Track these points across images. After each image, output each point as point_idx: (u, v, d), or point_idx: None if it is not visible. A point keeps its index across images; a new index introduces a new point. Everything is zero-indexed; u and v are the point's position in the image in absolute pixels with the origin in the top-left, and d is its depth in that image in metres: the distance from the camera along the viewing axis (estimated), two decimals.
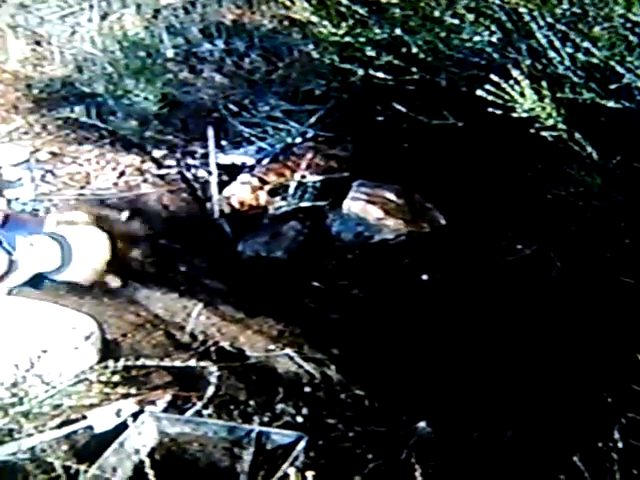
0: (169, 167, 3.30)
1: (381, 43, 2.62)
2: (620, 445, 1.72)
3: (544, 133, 2.21)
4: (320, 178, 3.03)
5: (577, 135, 2.24)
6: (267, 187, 3.03)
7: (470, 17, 2.40)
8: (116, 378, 2.14)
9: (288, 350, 2.38)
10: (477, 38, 2.44)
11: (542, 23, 2.26)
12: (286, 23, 3.59)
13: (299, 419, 2.18)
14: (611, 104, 2.21)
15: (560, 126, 2.21)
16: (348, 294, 2.57)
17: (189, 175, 3.23)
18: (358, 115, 3.02)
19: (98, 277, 2.68)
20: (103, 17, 4.15)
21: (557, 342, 2.20)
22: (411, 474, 1.75)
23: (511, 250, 2.46)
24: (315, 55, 2.91)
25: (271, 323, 2.51)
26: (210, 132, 3.26)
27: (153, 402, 2.21)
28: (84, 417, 2.14)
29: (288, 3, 2.64)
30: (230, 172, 3.16)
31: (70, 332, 2.33)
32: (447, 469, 1.95)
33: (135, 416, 2.10)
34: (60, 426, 2.11)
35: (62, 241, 2.63)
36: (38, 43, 4.11)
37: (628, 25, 2.15)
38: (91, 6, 4.25)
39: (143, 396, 2.21)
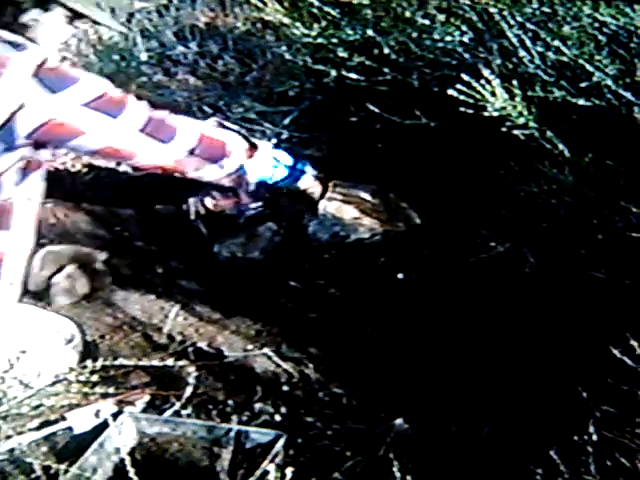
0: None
1: (353, 44, 2.64)
2: (595, 438, 1.74)
3: (516, 131, 2.23)
4: None
5: (549, 133, 2.25)
6: None
7: (441, 17, 2.42)
8: (95, 378, 2.15)
9: (266, 349, 2.39)
10: (448, 38, 2.45)
11: (512, 22, 2.28)
12: (259, 25, 3.58)
13: (277, 418, 2.19)
14: (581, 102, 2.23)
15: (531, 124, 2.23)
16: (325, 293, 2.58)
17: None
18: (332, 116, 3.02)
19: None
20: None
21: (532, 337, 2.21)
22: (389, 470, 1.76)
23: (485, 247, 2.47)
24: (288, 57, 2.92)
25: (249, 323, 2.51)
26: None
27: (132, 402, 2.22)
28: (63, 418, 2.14)
29: (260, 5, 2.65)
30: None
31: (52, 335, 2.33)
32: (425, 465, 1.96)
33: (114, 416, 2.10)
34: (39, 427, 2.12)
35: None
36: None
37: (596, 25, 2.17)
38: None
39: (122, 396, 2.22)
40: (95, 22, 2.27)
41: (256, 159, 2.55)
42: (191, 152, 2.36)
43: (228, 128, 2.55)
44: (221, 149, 2.45)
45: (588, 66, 2.19)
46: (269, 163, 2.63)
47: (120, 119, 2.18)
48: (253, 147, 2.55)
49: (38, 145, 2.14)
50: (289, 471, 1.67)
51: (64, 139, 2.16)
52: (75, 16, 2.22)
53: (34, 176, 2.21)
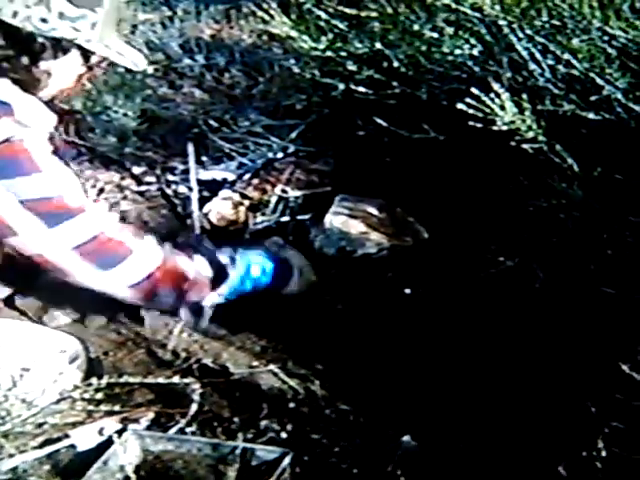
0: (149, 184, 3.29)
1: (362, 57, 2.63)
2: (604, 454, 1.73)
3: (525, 145, 2.22)
4: (302, 193, 3.04)
5: (558, 147, 2.24)
6: (248, 202, 3.03)
7: (450, 30, 2.41)
8: (99, 396, 2.14)
9: (272, 366, 2.37)
10: (457, 51, 2.45)
11: (522, 35, 2.27)
12: (265, 38, 3.59)
13: (284, 435, 2.17)
14: (591, 116, 2.22)
15: (540, 138, 2.22)
16: (332, 309, 2.57)
17: (169, 191, 3.22)
18: (339, 130, 3.02)
19: None
20: None
21: (541, 353, 2.20)
22: None
23: (494, 262, 2.46)
24: (296, 70, 2.91)
25: (254, 339, 2.50)
26: (190, 148, 3.26)
27: (136, 420, 2.20)
28: (66, 436, 2.13)
29: (267, 17, 2.65)
30: (211, 188, 3.15)
31: (55, 354, 2.31)
32: None
33: (118, 434, 2.09)
34: (42, 445, 2.10)
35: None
36: None
37: (606, 38, 2.17)
38: None
39: (126, 414, 2.20)
40: (114, 63, 2.21)
41: (221, 290, 2.37)
42: (135, 285, 2.19)
43: (199, 251, 2.37)
44: (176, 285, 2.28)
45: (598, 79, 2.18)
46: (238, 282, 2.41)
47: (55, 230, 2.03)
48: (218, 274, 2.36)
49: None
50: None
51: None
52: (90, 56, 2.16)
53: None
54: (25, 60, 2.05)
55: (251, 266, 2.40)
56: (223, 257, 2.38)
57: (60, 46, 2.07)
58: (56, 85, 2.13)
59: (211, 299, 2.37)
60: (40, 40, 2.03)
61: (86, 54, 2.13)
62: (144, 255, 2.20)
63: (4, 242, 2.07)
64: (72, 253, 2.07)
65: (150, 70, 3.50)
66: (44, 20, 2.00)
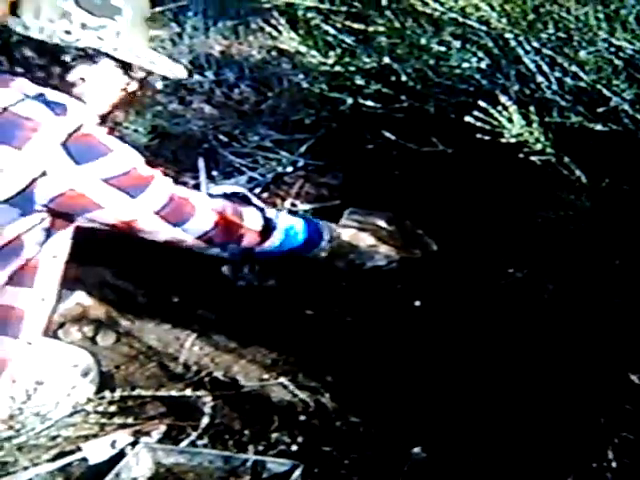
0: None
1: (370, 72, 2.64)
2: (614, 465, 1.73)
3: (533, 158, 2.22)
4: (311, 206, 3.04)
5: (566, 159, 2.25)
6: None
7: (457, 44, 2.42)
8: (112, 409, 2.15)
9: (282, 379, 2.38)
10: (465, 65, 2.46)
11: (529, 48, 2.28)
12: (274, 53, 3.60)
13: (294, 447, 2.18)
14: (599, 127, 2.22)
15: (548, 150, 2.22)
16: (342, 321, 2.57)
17: None
18: (348, 143, 3.03)
19: None
20: None
21: (551, 363, 2.20)
22: None
23: (503, 274, 2.46)
24: (304, 85, 2.92)
25: (264, 352, 2.50)
26: (201, 163, 3.27)
27: (148, 433, 2.21)
28: (79, 449, 2.14)
29: (275, 33, 2.66)
30: None
31: (68, 368, 2.32)
32: None
33: (131, 447, 2.09)
34: (55, 458, 2.11)
35: None
36: None
37: (612, 49, 2.17)
38: None
39: (138, 427, 2.21)
40: (149, 72, 2.27)
41: (268, 242, 2.48)
42: (202, 235, 2.33)
43: (250, 202, 2.52)
44: (235, 234, 2.41)
45: (605, 91, 2.18)
46: (281, 238, 2.52)
47: (139, 199, 2.17)
48: (267, 226, 2.47)
49: (54, 213, 2.13)
50: None
51: (80, 211, 2.15)
52: (127, 66, 2.22)
53: (61, 235, 2.21)
54: (57, 69, 2.13)
55: (291, 225, 2.52)
56: (271, 211, 2.51)
57: (90, 55, 2.15)
58: (92, 91, 2.21)
59: (261, 247, 2.46)
60: (70, 50, 2.12)
61: (124, 66, 2.22)
62: (208, 209, 2.33)
63: (86, 216, 2.17)
64: (154, 217, 2.21)
65: (160, 86, 3.51)
66: (68, 32, 2.09)
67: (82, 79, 2.17)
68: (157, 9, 4.33)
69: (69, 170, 2.05)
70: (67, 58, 2.13)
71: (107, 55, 2.16)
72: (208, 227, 2.32)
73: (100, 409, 2.16)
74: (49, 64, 2.13)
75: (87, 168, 2.07)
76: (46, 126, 2.03)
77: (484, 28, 2.30)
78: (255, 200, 2.54)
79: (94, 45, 2.13)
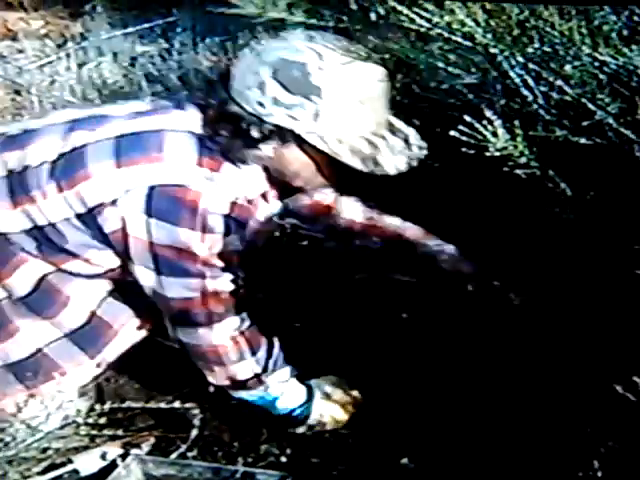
0: None
1: None
2: (600, 475, 1.74)
3: (517, 171, 2.24)
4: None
5: (550, 172, 2.26)
6: None
7: (443, 59, 2.44)
8: (102, 421, 2.15)
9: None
10: (451, 80, 2.48)
11: (514, 63, 2.30)
12: None
13: (283, 459, 2.19)
14: (583, 141, 2.24)
15: (533, 164, 2.24)
16: (328, 333, 2.57)
17: None
18: None
19: None
20: (80, 65, 4.18)
21: (537, 373, 2.21)
22: None
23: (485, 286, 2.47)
24: None
25: None
26: None
27: (138, 445, 2.22)
28: (69, 461, 2.14)
29: None
30: None
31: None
32: None
33: (120, 459, 2.10)
34: (45, 471, 2.11)
35: None
36: (18, 92, 4.13)
37: (596, 64, 2.19)
38: (68, 55, 4.29)
39: (128, 439, 2.22)
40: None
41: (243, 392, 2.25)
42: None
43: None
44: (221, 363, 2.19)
45: (590, 105, 2.20)
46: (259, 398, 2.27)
47: (161, 278, 2.06)
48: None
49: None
50: None
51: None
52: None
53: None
54: (240, 142, 2.00)
55: (277, 397, 2.27)
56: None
57: (282, 134, 1.98)
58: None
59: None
60: (264, 125, 1.96)
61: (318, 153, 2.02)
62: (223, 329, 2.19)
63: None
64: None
65: None
66: (261, 104, 1.93)
67: (265, 157, 2.02)
68: (145, 25, 4.39)
69: (136, 214, 1.98)
70: (256, 133, 1.97)
71: (299, 138, 1.97)
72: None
73: (90, 421, 2.16)
74: (232, 135, 2.00)
75: (151, 221, 1.98)
76: (170, 162, 1.98)
77: (470, 43, 2.33)
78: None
79: (286, 125, 1.95)
